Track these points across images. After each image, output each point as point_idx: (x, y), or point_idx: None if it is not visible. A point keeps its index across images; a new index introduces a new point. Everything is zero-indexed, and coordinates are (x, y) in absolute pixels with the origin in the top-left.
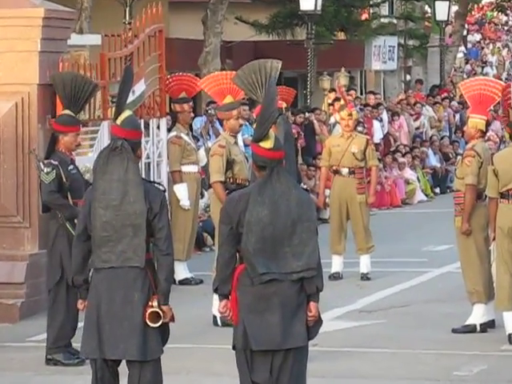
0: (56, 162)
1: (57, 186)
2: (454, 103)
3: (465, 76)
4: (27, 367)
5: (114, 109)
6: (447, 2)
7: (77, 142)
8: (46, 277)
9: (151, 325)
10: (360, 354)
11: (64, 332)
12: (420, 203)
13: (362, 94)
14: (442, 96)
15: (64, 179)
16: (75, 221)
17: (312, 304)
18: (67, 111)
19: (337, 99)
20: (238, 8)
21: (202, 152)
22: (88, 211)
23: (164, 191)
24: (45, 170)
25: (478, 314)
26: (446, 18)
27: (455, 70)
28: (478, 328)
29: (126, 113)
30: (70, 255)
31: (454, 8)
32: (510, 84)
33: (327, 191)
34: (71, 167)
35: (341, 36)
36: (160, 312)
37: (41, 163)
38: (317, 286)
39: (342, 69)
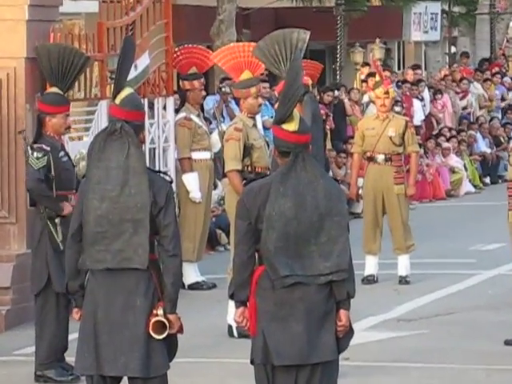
0: (48, 148)
1: (44, 176)
2: (507, 79)
3: None
4: None
5: (112, 86)
6: None
7: (66, 124)
8: (30, 281)
9: (155, 336)
10: (397, 370)
11: (55, 344)
12: (467, 195)
13: (399, 68)
14: (493, 71)
15: (52, 170)
16: (56, 220)
17: (342, 312)
18: (54, 89)
19: (371, 75)
20: None
21: (215, 136)
22: (82, 207)
23: (171, 182)
24: (35, 155)
25: None
26: None
27: (508, 41)
28: None
29: (127, 91)
30: (54, 258)
31: None
32: None
33: (360, 181)
34: (61, 154)
35: (375, 2)
36: (166, 322)
37: (29, 147)
38: (348, 291)
39: (377, 40)
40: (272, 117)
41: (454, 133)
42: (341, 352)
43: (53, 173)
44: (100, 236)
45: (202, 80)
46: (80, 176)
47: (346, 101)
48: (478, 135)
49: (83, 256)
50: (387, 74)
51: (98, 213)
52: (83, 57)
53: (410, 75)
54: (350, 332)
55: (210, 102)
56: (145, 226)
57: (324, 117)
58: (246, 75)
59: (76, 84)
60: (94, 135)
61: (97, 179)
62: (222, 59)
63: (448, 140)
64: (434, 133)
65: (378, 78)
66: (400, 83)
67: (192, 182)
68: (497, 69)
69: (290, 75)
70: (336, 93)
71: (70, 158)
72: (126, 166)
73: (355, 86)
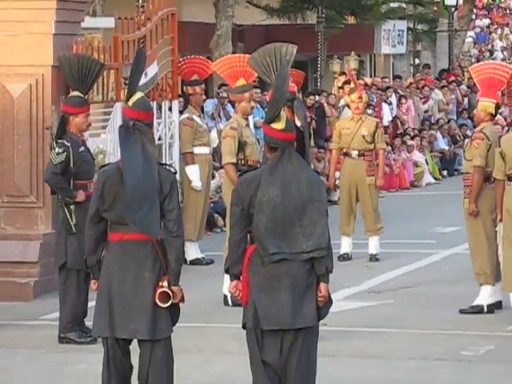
0: (69, 144)
1: (62, 169)
2: (463, 87)
3: (473, 60)
4: (41, 345)
5: (126, 91)
6: None
7: (87, 122)
8: (54, 257)
9: (161, 305)
10: (369, 334)
11: (76, 311)
12: (428, 185)
13: (371, 77)
14: (450, 80)
15: (72, 164)
16: (71, 206)
17: (322, 285)
18: (76, 92)
19: (346, 82)
20: None
21: (213, 134)
22: (100, 193)
23: (175, 173)
24: (56, 150)
25: (486, 295)
26: (454, 3)
27: (463, 54)
28: (485, 309)
29: (138, 94)
30: (69, 239)
31: None
32: None
33: (337, 173)
34: (82, 148)
35: (351, 20)
36: (170, 292)
37: (54, 142)
38: (327, 266)
39: (352, 52)
40: (262, 117)
41: (417, 132)
42: (321, 319)
43: (72, 165)
44: (136, 199)
45: (203, 86)
46: (98, 167)
47: (325, 104)
48: (438, 134)
49: (118, 228)
50: (361, 81)
51: (132, 183)
52: (99, 64)
53: (378, 83)
54: (328, 302)
55: (210, 105)
56: (157, 206)
57: (309, 119)
58: (240, 82)
59: (95, 88)
60: (118, 127)
61: (126, 161)
62: (221, 68)
63: (412, 138)
64: (400, 132)
65: (352, 85)
66: (374, 90)
67: (194, 173)
68: (453, 78)
69: (277, 82)
70: (317, 97)
71: (89, 151)
72: (142, 157)
73: (333, 91)
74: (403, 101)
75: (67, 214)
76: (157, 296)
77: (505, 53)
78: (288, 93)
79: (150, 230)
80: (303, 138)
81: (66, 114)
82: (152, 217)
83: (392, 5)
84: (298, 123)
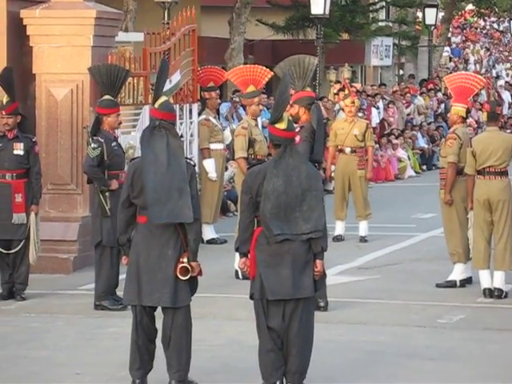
0: (102, 140)
1: (97, 162)
2: (439, 94)
3: (449, 71)
4: (79, 311)
5: (153, 95)
6: (435, 9)
7: (119, 120)
8: (91, 236)
9: (181, 278)
10: (358, 304)
11: (109, 282)
12: (410, 178)
13: (362, 85)
14: (429, 87)
15: (105, 157)
16: (106, 193)
17: (318, 261)
18: (107, 96)
19: (341, 89)
20: (259, 12)
21: (227, 132)
22: (130, 182)
23: (194, 166)
24: (92, 145)
25: (458, 272)
26: (433, 22)
27: (440, 66)
28: (458, 283)
29: (163, 98)
30: (104, 221)
31: (441, 14)
32: (489, 76)
33: (332, 167)
34: (114, 144)
35: (345, 36)
36: (189, 267)
37: (90, 138)
38: (322, 246)
39: (346, 64)
40: (268, 119)
41: (400, 132)
42: (317, 291)
43: (106, 158)
44: (156, 200)
45: (218, 91)
46: (128, 160)
47: (322, 108)
48: (419, 134)
49: (146, 212)
50: (353, 89)
51: (152, 184)
52: (124, 71)
53: (369, 90)
54: (324, 276)
55: (224, 108)
56: (186, 192)
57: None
58: (250, 88)
59: (126, 93)
60: (143, 129)
61: (148, 160)
62: (234, 76)
63: (396, 138)
64: (386, 132)
65: (346, 91)
66: (365, 96)
67: (210, 166)
68: (431, 86)
69: (280, 88)
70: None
71: (121, 146)
72: (168, 151)
73: (329, 97)
74: (390, 105)
75: (102, 199)
76: (178, 270)
77: (477, 66)
78: (289, 98)
79: (181, 217)
80: (315, 137)
81: (100, 114)
82: (183, 204)
83: (380, 24)
84: (313, 124)
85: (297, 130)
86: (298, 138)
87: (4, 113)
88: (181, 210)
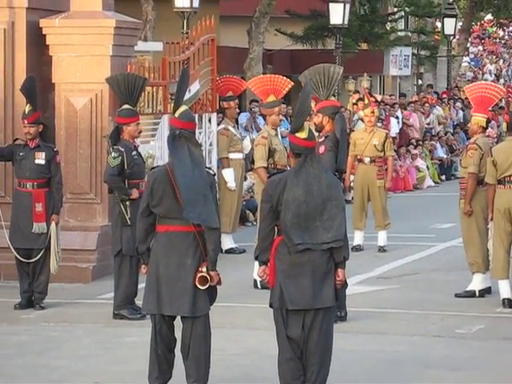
0: (122, 149)
1: (118, 171)
2: (458, 104)
3: (468, 81)
4: (98, 321)
5: (172, 104)
6: (454, 19)
7: (139, 129)
8: (111, 245)
9: (200, 287)
10: (377, 314)
11: (128, 292)
12: (429, 188)
13: (380, 95)
14: (448, 97)
15: (126, 166)
16: (127, 203)
17: (340, 270)
18: (126, 105)
19: (360, 99)
20: (278, 21)
21: (246, 142)
22: (150, 191)
23: (214, 175)
24: (112, 154)
25: (477, 282)
26: (452, 32)
27: (460, 76)
28: (477, 293)
29: (183, 107)
30: (124, 231)
31: (460, 24)
32: (509, 85)
33: (352, 177)
34: (134, 153)
35: (364, 46)
36: (208, 276)
37: (111, 148)
38: (344, 255)
39: (365, 74)
40: (288, 128)
41: (420, 142)
42: (338, 300)
43: (126, 167)
44: (189, 199)
45: (237, 101)
46: (148, 169)
47: None
48: (438, 144)
49: (165, 221)
50: (372, 99)
51: (183, 184)
52: (142, 79)
53: (388, 100)
54: (345, 286)
55: (244, 118)
56: (210, 199)
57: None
58: (271, 98)
59: (145, 102)
60: (167, 136)
61: (176, 163)
62: (255, 86)
63: (415, 147)
64: (405, 142)
65: (366, 101)
66: (385, 106)
67: (229, 175)
68: (445, 96)
69: (301, 97)
70: None
71: (141, 156)
72: (190, 159)
73: (348, 107)
74: (409, 115)
75: (123, 208)
76: (197, 279)
77: (495, 75)
78: (311, 107)
79: (208, 221)
80: (338, 146)
81: (120, 124)
82: (208, 209)
83: (399, 34)
84: (336, 134)
85: (321, 139)
86: (323, 148)
87: (26, 122)
88: (208, 215)
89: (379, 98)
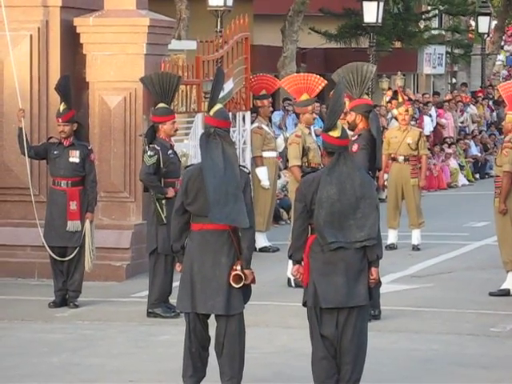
0: (158, 148)
1: (154, 170)
2: (491, 103)
3: (501, 80)
4: (132, 319)
5: (207, 103)
6: (488, 17)
7: (175, 127)
8: (146, 244)
9: (235, 285)
10: (411, 313)
11: (163, 290)
12: (463, 186)
13: (414, 93)
14: (482, 96)
15: (162, 164)
16: (162, 201)
17: (373, 269)
18: (162, 104)
19: (393, 98)
20: (312, 20)
21: (279, 140)
22: (184, 190)
23: (248, 173)
24: (148, 153)
25: None
26: (486, 31)
27: (494, 75)
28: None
29: (218, 106)
30: (160, 229)
31: (494, 22)
32: None
33: (385, 175)
34: (170, 152)
35: (397, 44)
36: (242, 275)
37: (146, 146)
38: (377, 253)
39: (399, 72)
40: (321, 127)
41: (454, 141)
42: (371, 299)
43: (162, 166)
44: (216, 201)
45: (270, 99)
46: (183, 168)
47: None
48: (472, 143)
49: (200, 219)
50: (406, 97)
51: (212, 186)
52: (176, 77)
53: (420, 98)
54: (378, 284)
55: (277, 116)
56: (241, 199)
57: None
58: (304, 97)
59: (179, 101)
60: (200, 135)
61: (207, 164)
62: (288, 84)
63: (449, 146)
64: (439, 140)
65: (400, 99)
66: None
67: (262, 174)
68: (481, 94)
69: (334, 96)
70: None
71: (176, 154)
72: (224, 158)
73: (383, 103)
74: (443, 113)
75: (158, 207)
76: (231, 278)
77: None
78: (343, 106)
79: (238, 221)
80: (375, 145)
81: (156, 122)
82: (238, 209)
83: (433, 32)
84: (373, 132)
85: (354, 138)
86: (356, 147)
87: (61, 120)
88: (237, 215)
89: (413, 96)
